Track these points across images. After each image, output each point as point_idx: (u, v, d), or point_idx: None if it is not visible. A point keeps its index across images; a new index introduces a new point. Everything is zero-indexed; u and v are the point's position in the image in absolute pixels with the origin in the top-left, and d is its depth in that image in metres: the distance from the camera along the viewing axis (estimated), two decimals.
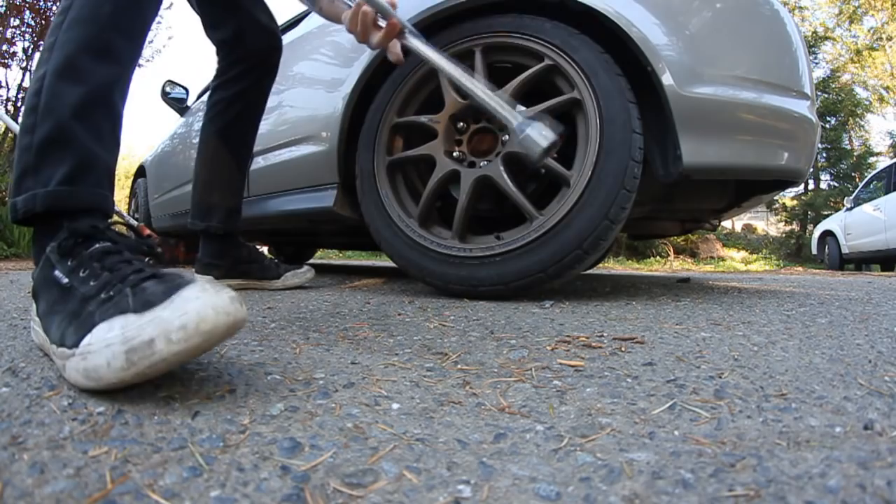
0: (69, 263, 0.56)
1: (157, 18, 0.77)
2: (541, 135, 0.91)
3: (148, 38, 0.76)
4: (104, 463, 0.35)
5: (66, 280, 0.55)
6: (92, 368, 0.45)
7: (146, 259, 0.61)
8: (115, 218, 0.66)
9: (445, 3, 1.26)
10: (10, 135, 6.02)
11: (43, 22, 6.84)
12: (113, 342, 0.45)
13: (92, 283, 0.52)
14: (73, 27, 0.66)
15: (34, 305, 0.61)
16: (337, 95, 1.47)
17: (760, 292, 1.57)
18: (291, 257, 3.78)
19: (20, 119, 0.66)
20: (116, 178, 0.73)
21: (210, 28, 1.33)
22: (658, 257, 8.97)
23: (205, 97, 2.82)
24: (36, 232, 0.64)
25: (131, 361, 0.43)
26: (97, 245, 0.57)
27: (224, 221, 1.39)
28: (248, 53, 1.30)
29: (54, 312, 0.54)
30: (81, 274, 0.54)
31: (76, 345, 0.48)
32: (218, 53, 1.38)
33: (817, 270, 5.98)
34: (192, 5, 1.31)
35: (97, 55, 0.67)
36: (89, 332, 0.48)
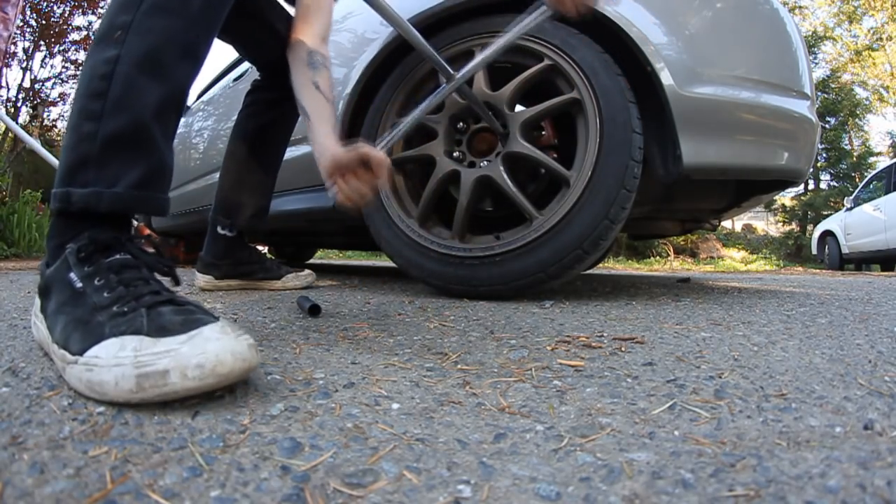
0: (86, 269, 0.55)
1: None
2: None
3: None
4: (104, 463, 0.35)
5: (79, 285, 0.54)
6: (97, 383, 0.45)
7: (167, 279, 0.61)
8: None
9: (446, 3, 1.26)
10: (10, 135, 6.02)
11: (44, 22, 6.84)
12: (124, 362, 0.45)
13: (106, 295, 0.52)
14: (156, 14, 0.61)
15: (38, 300, 0.60)
16: (337, 95, 1.47)
17: (760, 292, 1.57)
18: (291, 257, 3.77)
19: (73, 98, 0.61)
20: None
21: (250, 54, 1.27)
22: (658, 257, 8.96)
23: (205, 97, 2.82)
24: (58, 225, 0.61)
25: (141, 387, 0.44)
26: (117, 256, 0.56)
27: (248, 221, 1.37)
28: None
29: (62, 313, 0.54)
30: (97, 282, 0.54)
31: (80, 353, 0.48)
32: (260, 69, 1.33)
33: (817, 270, 5.98)
34: (228, 39, 1.23)
35: (183, 52, 0.62)
36: (97, 343, 0.47)
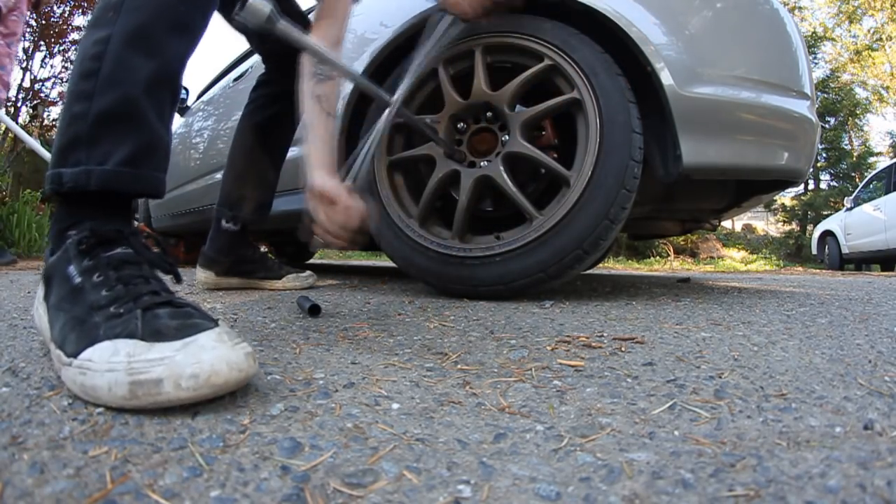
0: (85, 263, 0.54)
1: None
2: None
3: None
4: (104, 463, 0.35)
5: (78, 280, 0.53)
6: (91, 387, 0.45)
7: (169, 276, 0.59)
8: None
9: None
10: (10, 135, 6.02)
11: (44, 22, 6.83)
12: (117, 368, 0.44)
13: (104, 293, 0.51)
14: None
15: (42, 287, 0.59)
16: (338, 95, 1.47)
17: (760, 292, 1.57)
18: (292, 257, 3.77)
19: (69, 82, 0.61)
20: None
21: (258, 43, 1.34)
22: (658, 257, 8.96)
23: (205, 97, 2.83)
24: (59, 211, 0.60)
25: (134, 394, 0.43)
26: (118, 250, 0.55)
27: (253, 213, 1.41)
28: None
29: (61, 309, 0.53)
30: (95, 279, 0.52)
31: (75, 355, 0.47)
32: (265, 61, 1.41)
33: (817, 270, 5.98)
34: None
35: (173, 27, 0.62)
36: (91, 345, 0.47)
